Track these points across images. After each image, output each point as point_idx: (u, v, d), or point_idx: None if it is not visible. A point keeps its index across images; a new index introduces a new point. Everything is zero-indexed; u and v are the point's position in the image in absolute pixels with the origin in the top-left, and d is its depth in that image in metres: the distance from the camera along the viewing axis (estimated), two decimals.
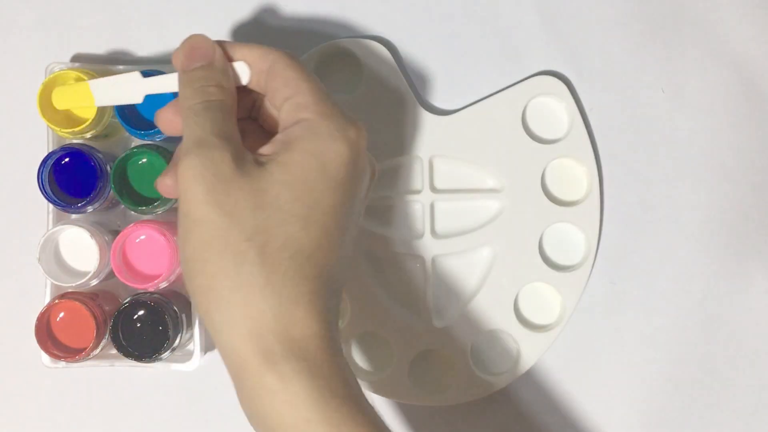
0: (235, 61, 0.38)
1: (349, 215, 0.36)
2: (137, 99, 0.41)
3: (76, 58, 0.51)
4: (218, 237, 0.33)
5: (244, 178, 0.33)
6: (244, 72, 0.38)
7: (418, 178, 0.50)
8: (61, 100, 0.43)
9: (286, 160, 0.34)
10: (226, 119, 0.35)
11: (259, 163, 0.34)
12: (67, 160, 0.46)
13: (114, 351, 0.47)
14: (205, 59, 0.37)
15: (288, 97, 0.36)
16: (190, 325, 0.48)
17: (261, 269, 0.32)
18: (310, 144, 0.34)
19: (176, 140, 0.49)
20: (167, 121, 0.38)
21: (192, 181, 0.33)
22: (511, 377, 0.49)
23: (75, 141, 0.48)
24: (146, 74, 0.41)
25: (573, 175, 0.51)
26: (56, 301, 0.47)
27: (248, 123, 0.40)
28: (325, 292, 0.34)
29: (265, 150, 0.35)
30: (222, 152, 0.33)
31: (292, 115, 0.36)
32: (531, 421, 0.51)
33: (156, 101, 0.47)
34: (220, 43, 0.38)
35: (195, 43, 0.37)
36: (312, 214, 0.34)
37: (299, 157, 0.34)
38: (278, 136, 0.36)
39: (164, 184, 0.36)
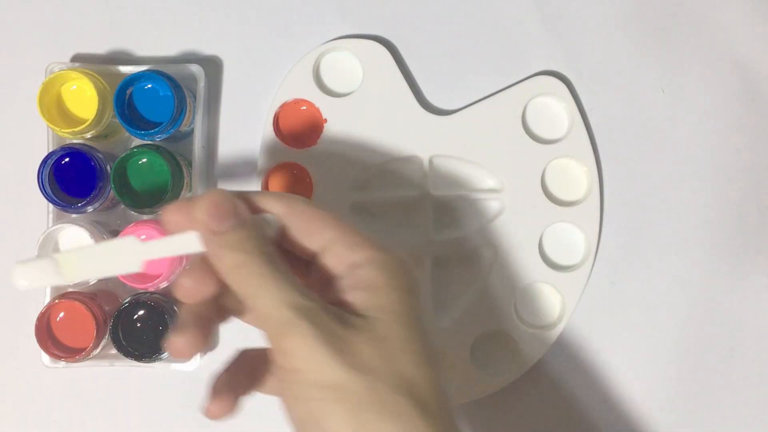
0: (262, 213, 0.34)
1: None
2: (134, 268, 0.34)
3: (76, 58, 0.51)
4: (369, 398, 0.31)
5: (358, 333, 0.32)
6: (270, 224, 0.34)
7: (418, 178, 0.50)
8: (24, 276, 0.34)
9: (378, 303, 0.33)
10: (295, 278, 0.33)
11: (355, 314, 0.33)
12: (67, 160, 0.46)
13: (114, 351, 0.47)
14: (235, 218, 0.33)
15: (334, 239, 0.34)
16: None
17: (422, 420, 0.31)
18: (391, 281, 0.33)
19: (177, 140, 0.49)
20: (193, 286, 0.34)
21: (315, 346, 0.31)
22: (511, 377, 0.49)
23: (75, 141, 0.48)
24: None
25: (573, 175, 0.51)
26: (56, 301, 0.47)
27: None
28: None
29: (350, 298, 0.34)
30: (326, 313, 0.32)
31: (347, 257, 0.34)
32: (531, 422, 0.51)
33: (156, 101, 0.48)
34: (240, 196, 0.34)
35: (217, 201, 0.33)
36: (424, 341, 0.33)
37: (393, 296, 0.33)
38: (349, 283, 0.34)
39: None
